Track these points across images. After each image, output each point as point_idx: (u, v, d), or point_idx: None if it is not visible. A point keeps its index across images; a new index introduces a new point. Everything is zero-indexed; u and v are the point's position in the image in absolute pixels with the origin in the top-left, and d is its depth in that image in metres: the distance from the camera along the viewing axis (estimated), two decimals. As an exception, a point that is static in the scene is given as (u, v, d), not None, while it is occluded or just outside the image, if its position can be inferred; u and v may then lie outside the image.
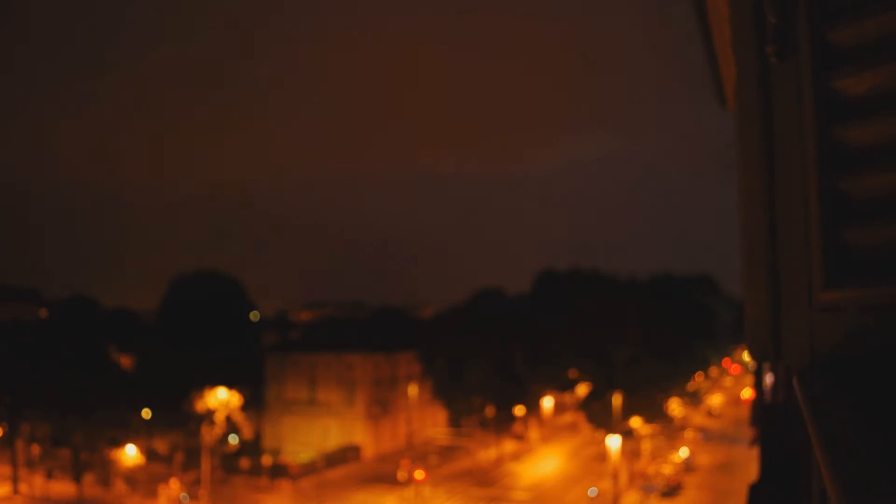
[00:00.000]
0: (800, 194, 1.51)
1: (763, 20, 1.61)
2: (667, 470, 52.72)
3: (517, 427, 67.90)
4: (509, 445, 64.29)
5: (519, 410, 65.13)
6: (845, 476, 0.83)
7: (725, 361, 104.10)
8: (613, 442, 50.92)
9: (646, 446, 61.03)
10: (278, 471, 54.13)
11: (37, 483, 52.75)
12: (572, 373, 63.12)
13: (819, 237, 1.41)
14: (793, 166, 1.54)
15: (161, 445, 51.75)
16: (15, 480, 51.10)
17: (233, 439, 53.76)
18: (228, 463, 55.91)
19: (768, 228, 1.59)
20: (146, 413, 50.44)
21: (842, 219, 1.39)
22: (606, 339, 57.18)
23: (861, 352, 1.32)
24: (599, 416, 57.72)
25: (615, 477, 49.81)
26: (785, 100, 1.57)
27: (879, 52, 1.32)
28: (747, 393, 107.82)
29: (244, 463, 56.15)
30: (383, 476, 55.13)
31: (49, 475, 53.42)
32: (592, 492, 49.32)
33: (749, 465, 51.45)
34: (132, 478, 52.31)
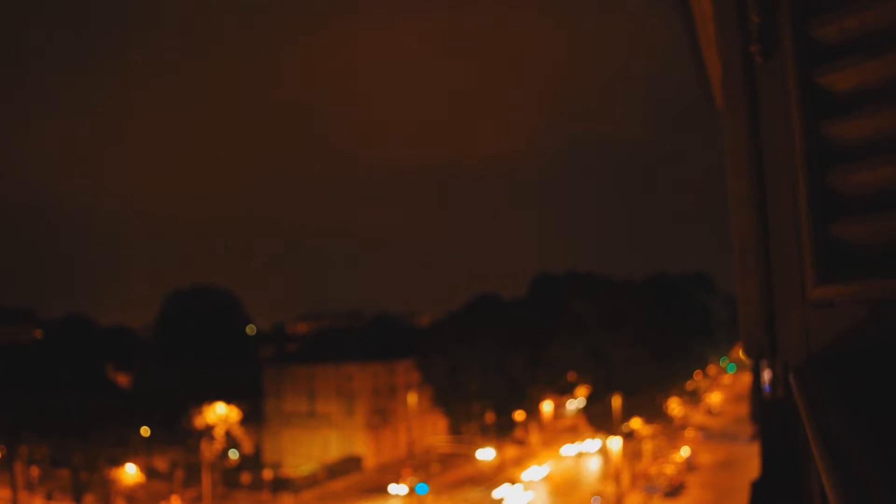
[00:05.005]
0: (789, 191, 1.51)
1: (747, 19, 1.62)
2: (669, 470, 52.67)
3: (518, 432, 67.75)
4: (510, 451, 64.14)
5: (519, 415, 65.02)
6: (842, 472, 0.83)
7: None
8: (614, 443, 50.90)
9: (647, 447, 60.99)
10: (280, 484, 53.88)
11: (37, 505, 52.42)
12: (571, 376, 63.07)
13: (810, 233, 1.42)
14: (781, 163, 1.54)
15: (161, 463, 51.48)
16: None
17: (233, 454, 53.51)
18: (229, 478, 55.63)
19: (759, 226, 1.59)
20: (145, 431, 50.19)
21: (832, 214, 1.39)
22: (604, 340, 57.19)
23: (856, 346, 1.32)
24: (600, 419, 57.67)
25: (617, 478, 49.76)
26: (771, 97, 1.57)
27: (863, 48, 1.33)
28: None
29: (245, 478, 55.87)
30: (385, 486, 54.93)
31: (49, 497, 53.06)
32: (596, 500, 49.18)
33: (751, 462, 51.46)
34: (133, 496, 51.97)
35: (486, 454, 59.68)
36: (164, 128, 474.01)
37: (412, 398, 66.13)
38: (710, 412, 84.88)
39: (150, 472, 52.66)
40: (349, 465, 59.78)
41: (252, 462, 57.18)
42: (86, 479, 49.74)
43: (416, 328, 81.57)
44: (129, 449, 49.22)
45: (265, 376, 65.80)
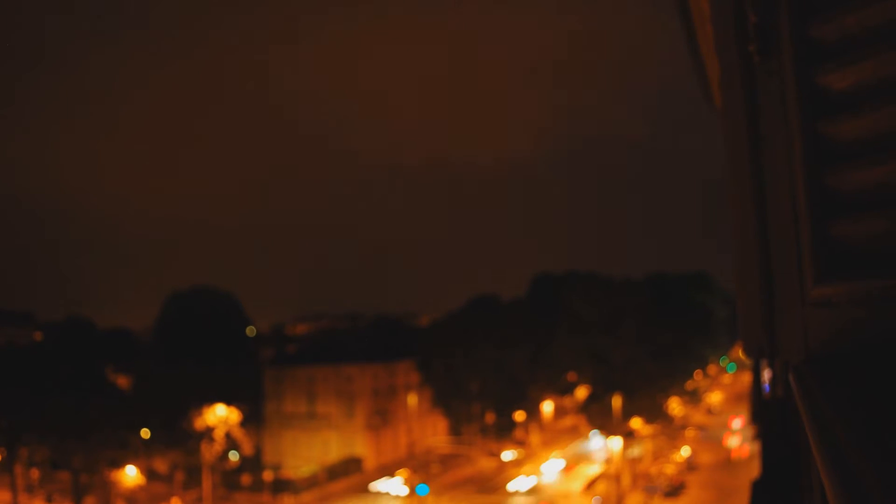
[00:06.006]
0: (788, 190, 1.51)
1: (744, 19, 1.62)
2: (669, 470, 52.70)
3: (518, 433, 67.75)
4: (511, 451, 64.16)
5: (519, 416, 65.01)
6: (842, 472, 0.83)
7: None
8: (615, 443, 50.87)
9: (647, 446, 61.00)
10: (280, 486, 53.88)
11: (37, 507, 52.37)
12: (571, 376, 63.09)
13: (809, 232, 1.42)
14: (780, 163, 1.54)
15: (161, 465, 51.46)
16: (15, 506, 50.71)
17: (233, 456, 53.50)
18: (230, 480, 55.61)
19: (758, 225, 1.60)
20: (145, 433, 50.16)
21: (831, 213, 1.39)
22: (604, 340, 57.22)
23: (855, 346, 1.32)
24: (600, 419, 57.69)
25: (618, 479, 49.77)
26: (770, 97, 1.57)
27: (862, 47, 1.33)
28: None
29: (245, 479, 55.86)
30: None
31: (49, 499, 53.03)
32: (596, 501, 49.20)
33: (751, 462, 51.52)
34: (133, 499, 51.96)
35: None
36: (163, 130, 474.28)
37: (412, 399, 66.14)
38: (710, 412, 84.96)
39: (150, 474, 52.62)
40: (349, 466, 59.78)
41: (252, 464, 57.17)
42: (86, 481, 49.72)
43: (415, 329, 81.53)
44: (129, 451, 49.21)
45: (265, 378, 65.80)
